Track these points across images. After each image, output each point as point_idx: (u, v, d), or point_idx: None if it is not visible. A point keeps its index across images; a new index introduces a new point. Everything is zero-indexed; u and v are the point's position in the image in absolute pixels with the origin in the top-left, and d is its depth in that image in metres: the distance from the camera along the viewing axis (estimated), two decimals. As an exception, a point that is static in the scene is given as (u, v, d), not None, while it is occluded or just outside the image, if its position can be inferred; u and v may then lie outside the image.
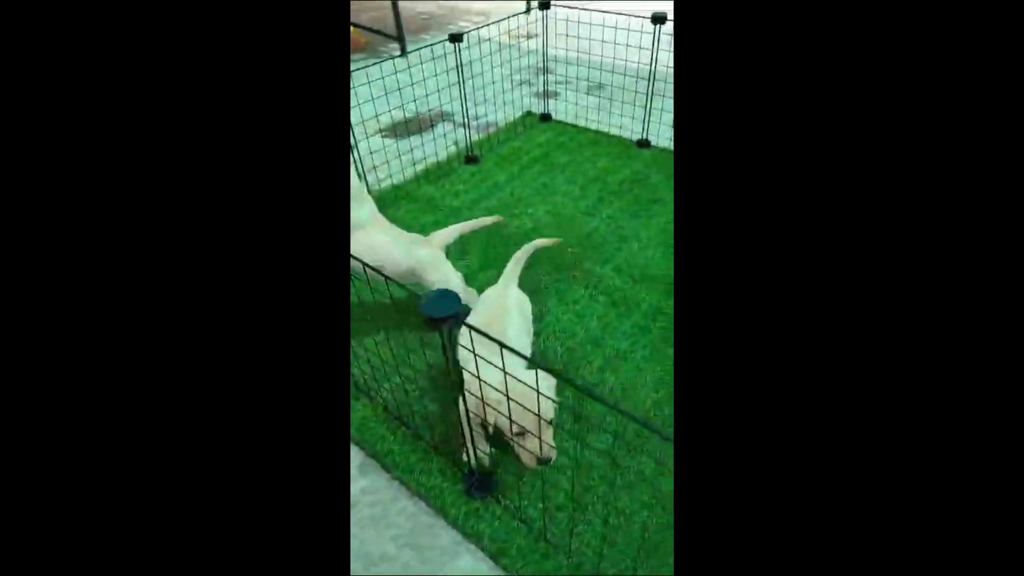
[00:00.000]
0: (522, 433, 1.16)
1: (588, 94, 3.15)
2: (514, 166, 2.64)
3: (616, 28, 2.66)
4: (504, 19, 2.75)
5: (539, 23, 2.77)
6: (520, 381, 1.04)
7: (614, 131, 2.84)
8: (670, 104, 2.67)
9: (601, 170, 2.57)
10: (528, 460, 1.18)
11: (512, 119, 3.03)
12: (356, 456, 1.43)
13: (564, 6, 2.73)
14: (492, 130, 2.95)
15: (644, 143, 2.73)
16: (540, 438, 1.12)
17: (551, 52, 2.87)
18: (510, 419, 1.12)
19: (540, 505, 1.27)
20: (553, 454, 1.18)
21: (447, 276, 1.67)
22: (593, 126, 2.91)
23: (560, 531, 1.24)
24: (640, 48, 2.52)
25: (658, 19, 2.34)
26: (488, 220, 1.86)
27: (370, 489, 1.36)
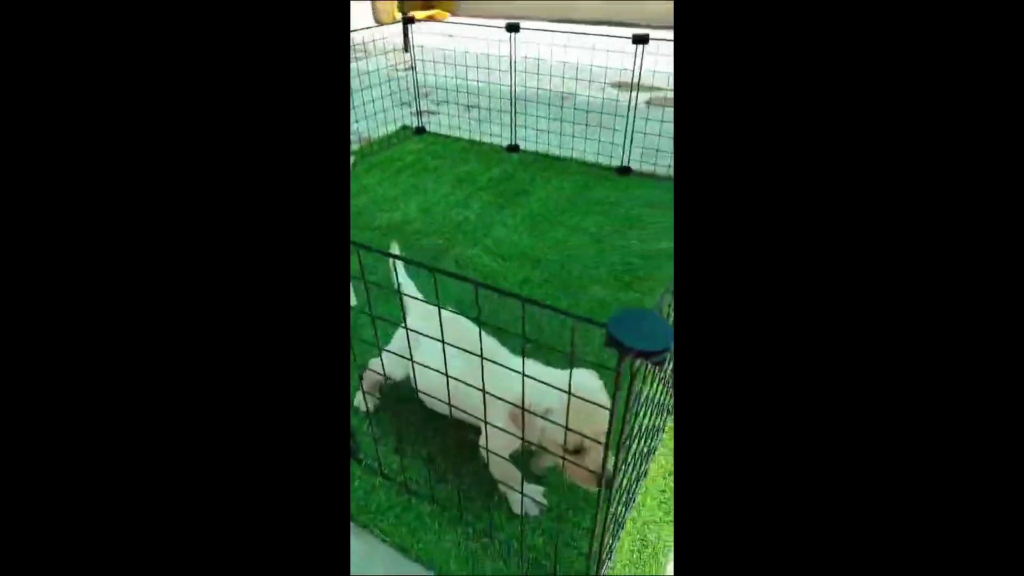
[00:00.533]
0: (579, 451, 0.94)
1: (460, 104, 3.28)
2: (385, 172, 2.64)
3: (476, 39, 2.82)
4: (363, 29, 2.83)
5: (412, 54, 2.88)
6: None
7: (486, 139, 2.96)
8: (533, 108, 2.85)
9: (471, 172, 2.64)
10: (585, 479, 0.95)
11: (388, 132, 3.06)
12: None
13: (425, 21, 2.86)
14: (366, 142, 2.95)
15: (513, 148, 2.86)
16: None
17: (429, 77, 2.98)
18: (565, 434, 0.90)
19: (400, 459, 1.20)
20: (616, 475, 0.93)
21: None
22: (466, 136, 3.01)
23: (424, 481, 1.17)
24: (499, 56, 2.68)
25: (512, 28, 2.51)
26: None
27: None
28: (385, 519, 1.11)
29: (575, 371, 0.92)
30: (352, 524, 1.10)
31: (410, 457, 1.22)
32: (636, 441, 0.94)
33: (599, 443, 0.86)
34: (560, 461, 0.96)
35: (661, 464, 1.22)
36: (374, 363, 1.29)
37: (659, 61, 3.51)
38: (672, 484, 1.17)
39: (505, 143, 2.89)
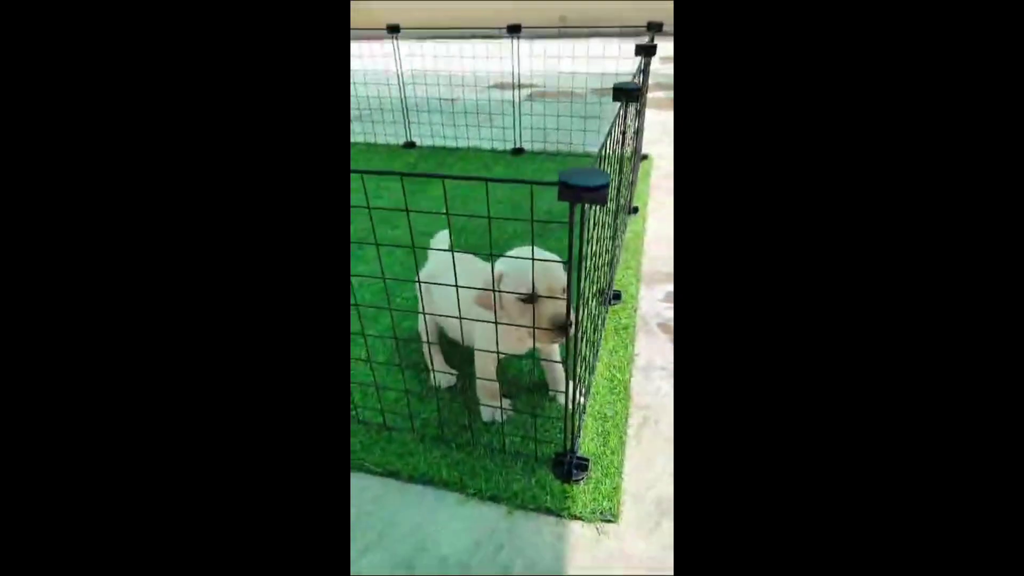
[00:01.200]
0: (531, 300, 1.06)
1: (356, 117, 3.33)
2: (287, 179, 2.64)
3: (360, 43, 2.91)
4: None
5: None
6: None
7: (381, 140, 3.05)
8: (425, 110, 2.99)
9: (374, 168, 2.72)
10: (543, 335, 1.07)
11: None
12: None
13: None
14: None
15: (410, 144, 2.97)
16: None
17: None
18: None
19: (377, 405, 1.27)
20: (571, 319, 1.03)
21: None
22: (361, 139, 3.08)
23: (401, 417, 1.25)
24: (384, 56, 2.80)
25: (392, 28, 2.64)
26: None
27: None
28: (371, 454, 1.17)
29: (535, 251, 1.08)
30: (339, 465, 1.15)
31: (385, 397, 1.29)
32: (590, 301, 1.11)
33: (558, 297, 1.04)
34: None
35: (604, 360, 1.40)
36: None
37: (533, 61, 3.81)
38: (615, 375, 1.35)
39: (400, 142, 3.00)
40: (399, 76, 2.77)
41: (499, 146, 2.90)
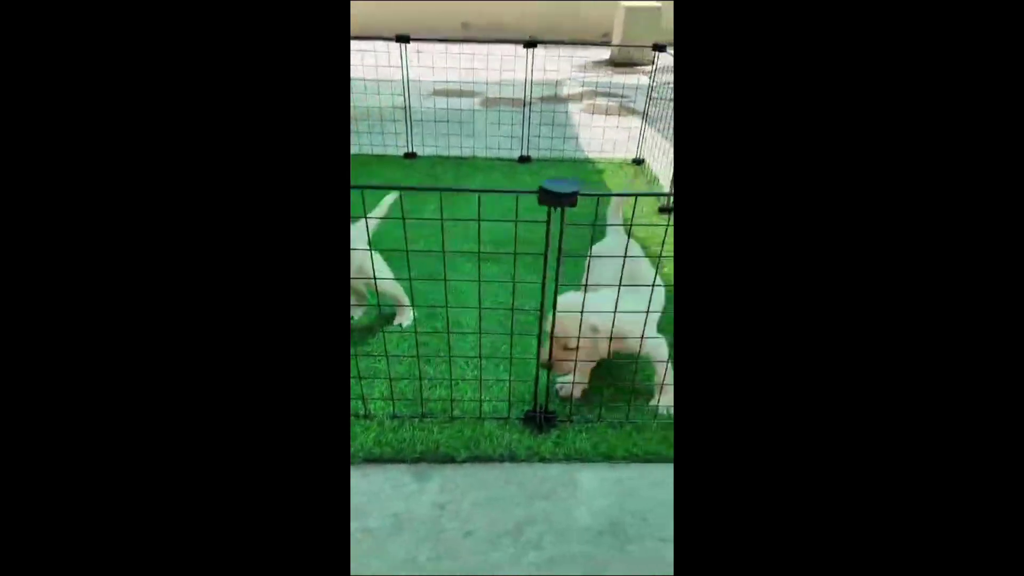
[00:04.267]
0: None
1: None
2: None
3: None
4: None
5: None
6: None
7: (377, 151, 2.94)
8: (427, 116, 2.92)
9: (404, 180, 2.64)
10: None
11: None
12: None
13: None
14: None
15: (411, 155, 2.92)
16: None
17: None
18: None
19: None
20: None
21: None
22: (355, 150, 2.94)
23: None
24: (390, 67, 2.72)
25: (402, 38, 2.58)
26: None
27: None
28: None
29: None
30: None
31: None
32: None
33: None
34: None
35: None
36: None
37: (446, 68, 3.77)
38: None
39: (400, 152, 2.93)
40: (405, 84, 2.70)
41: (505, 153, 2.96)
